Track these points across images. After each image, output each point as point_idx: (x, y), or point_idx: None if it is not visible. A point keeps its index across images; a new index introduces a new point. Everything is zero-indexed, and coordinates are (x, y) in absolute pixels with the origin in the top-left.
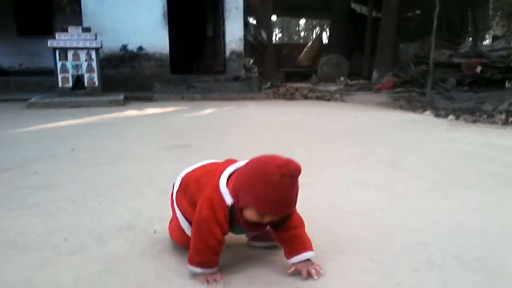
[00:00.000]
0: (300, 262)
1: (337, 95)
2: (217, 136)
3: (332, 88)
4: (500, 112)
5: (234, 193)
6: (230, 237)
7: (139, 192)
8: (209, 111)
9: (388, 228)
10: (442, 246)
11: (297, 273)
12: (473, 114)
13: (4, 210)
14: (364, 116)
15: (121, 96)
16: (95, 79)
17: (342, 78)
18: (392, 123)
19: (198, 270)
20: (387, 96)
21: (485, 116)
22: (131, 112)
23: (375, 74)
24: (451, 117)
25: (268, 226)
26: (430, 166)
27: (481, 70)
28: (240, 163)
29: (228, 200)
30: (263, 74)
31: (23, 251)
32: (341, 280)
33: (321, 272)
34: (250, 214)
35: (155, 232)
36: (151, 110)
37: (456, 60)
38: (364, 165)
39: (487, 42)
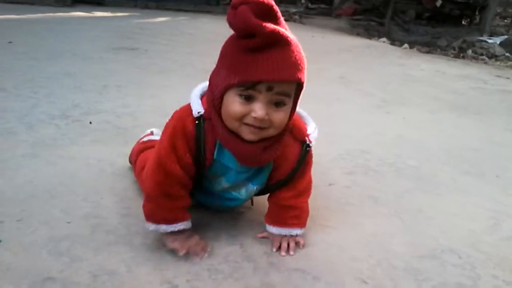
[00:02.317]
0: (280, 235)
1: (296, 17)
2: (167, 42)
3: (292, 9)
4: (453, 48)
5: (208, 100)
6: None
7: (78, 86)
8: (162, 19)
9: (328, 136)
10: (379, 154)
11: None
12: (427, 47)
13: None
14: (320, 38)
15: None
16: None
17: (303, 1)
18: (347, 46)
19: (151, 226)
20: (346, 22)
21: (438, 50)
22: (78, 13)
23: (336, 0)
24: (405, 45)
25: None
26: (378, 86)
27: (440, 5)
28: None
29: (197, 108)
30: None
31: None
32: None
33: (301, 246)
34: (231, 100)
35: (90, 123)
36: (101, 13)
37: None
38: (315, 81)
39: None
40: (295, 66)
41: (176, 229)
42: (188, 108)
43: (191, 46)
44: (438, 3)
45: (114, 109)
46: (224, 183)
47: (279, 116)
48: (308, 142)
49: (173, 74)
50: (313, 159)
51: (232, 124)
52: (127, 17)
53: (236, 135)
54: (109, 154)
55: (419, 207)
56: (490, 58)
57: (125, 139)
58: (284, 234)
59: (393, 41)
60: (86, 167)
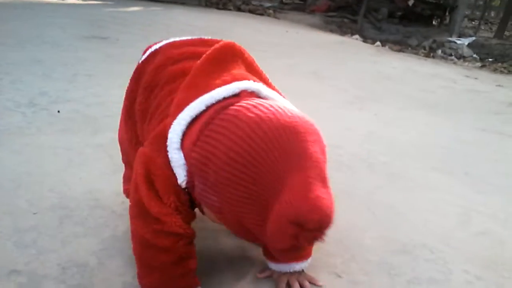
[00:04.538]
0: (284, 272)
1: (271, 11)
2: (139, 32)
3: (267, 4)
4: (424, 48)
5: (190, 171)
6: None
7: (47, 74)
8: (135, 8)
9: None
10: (351, 150)
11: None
12: (399, 45)
13: None
14: (294, 33)
15: None
16: None
17: None
18: (321, 42)
19: None
20: (319, 18)
21: (409, 48)
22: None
23: None
24: (378, 43)
25: None
26: (351, 82)
27: (413, 4)
28: (234, 87)
29: (181, 178)
30: None
31: None
32: None
33: (319, 284)
34: (213, 217)
35: (58, 112)
36: (72, 0)
37: None
38: (288, 76)
39: None
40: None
41: None
42: (170, 169)
43: (164, 37)
44: (411, 3)
45: (83, 98)
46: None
47: None
48: None
49: None
50: None
51: None
52: (99, 5)
53: None
54: (77, 143)
55: (391, 202)
56: (458, 58)
57: (95, 129)
58: (286, 271)
59: (365, 39)
60: (54, 157)
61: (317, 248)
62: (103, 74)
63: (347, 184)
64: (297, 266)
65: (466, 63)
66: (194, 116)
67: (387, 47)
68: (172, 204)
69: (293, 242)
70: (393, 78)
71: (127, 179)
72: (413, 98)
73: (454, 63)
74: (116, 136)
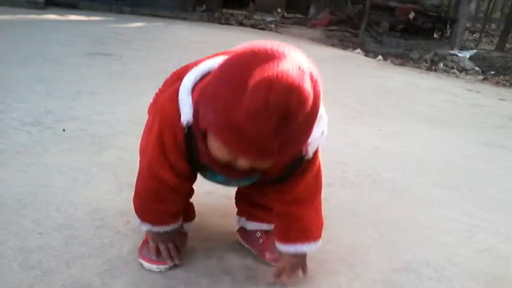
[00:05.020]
0: (291, 254)
1: (272, 26)
2: (142, 48)
3: (268, 18)
4: (426, 61)
5: (196, 105)
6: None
7: (50, 92)
8: (137, 24)
9: None
10: (356, 166)
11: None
12: (400, 59)
13: None
14: (295, 47)
15: None
16: None
17: (279, 10)
18: (322, 57)
19: (138, 219)
20: (321, 33)
21: (411, 62)
22: (51, 16)
23: (312, 10)
24: (379, 57)
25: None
26: (354, 97)
27: (413, 17)
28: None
29: (186, 115)
30: None
31: None
32: None
33: (305, 276)
34: (215, 146)
35: (63, 130)
36: (75, 17)
37: (392, 3)
38: None
39: None
40: (279, 154)
41: (161, 231)
42: (176, 110)
43: (166, 52)
44: (411, 16)
45: (88, 116)
46: (213, 178)
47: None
48: (304, 154)
49: (149, 81)
50: None
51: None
52: (101, 21)
53: None
54: (83, 162)
55: (395, 219)
56: (460, 71)
57: (100, 147)
58: (294, 252)
59: (367, 53)
60: (59, 176)
61: (321, 267)
62: (107, 91)
63: (352, 201)
64: (304, 248)
65: (468, 76)
66: (207, 71)
67: (388, 61)
68: (171, 147)
69: (263, 101)
70: (396, 92)
71: None
72: (416, 113)
73: (456, 76)
74: (120, 154)
